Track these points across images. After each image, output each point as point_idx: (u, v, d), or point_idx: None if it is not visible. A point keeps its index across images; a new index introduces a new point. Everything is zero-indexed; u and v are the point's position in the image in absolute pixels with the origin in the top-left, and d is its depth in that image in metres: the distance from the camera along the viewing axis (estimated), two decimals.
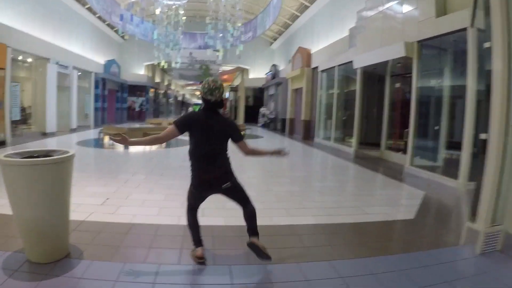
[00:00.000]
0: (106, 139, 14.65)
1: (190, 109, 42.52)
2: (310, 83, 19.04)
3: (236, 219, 4.39)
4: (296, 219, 5.34)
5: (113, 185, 7.00)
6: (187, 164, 3.70)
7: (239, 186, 3.71)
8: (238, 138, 3.62)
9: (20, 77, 17.83)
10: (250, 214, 3.64)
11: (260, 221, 3.80)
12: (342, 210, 5.89)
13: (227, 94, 53.85)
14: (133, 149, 12.72)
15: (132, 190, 6.69)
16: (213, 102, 3.49)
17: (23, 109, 17.98)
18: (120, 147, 13.05)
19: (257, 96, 33.33)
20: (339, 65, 15.17)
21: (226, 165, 3.64)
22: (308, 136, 18.79)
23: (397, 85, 12.19)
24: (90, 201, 5.76)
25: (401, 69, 11.50)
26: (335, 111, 15.41)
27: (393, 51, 9.81)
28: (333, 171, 9.86)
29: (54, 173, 3.51)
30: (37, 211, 3.45)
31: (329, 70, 16.59)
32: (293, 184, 7.74)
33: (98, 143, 14.51)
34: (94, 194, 6.21)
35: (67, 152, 3.75)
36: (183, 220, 4.00)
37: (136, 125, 18.42)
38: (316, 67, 18.09)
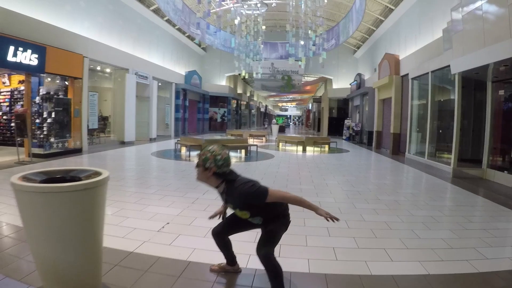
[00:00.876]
0: (183, 150, 14.29)
1: (274, 121, 42.12)
2: (399, 92, 17.12)
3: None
4: (399, 266, 3.99)
5: (178, 206, 6.09)
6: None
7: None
8: None
9: (99, 87, 18.34)
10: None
11: (354, 268, 3.60)
12: (456, 253, 4.41)
13: (309, 105, 52.69)
14: None
15: (198, 214, 5.69)
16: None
17: (102, 118, 18.55)
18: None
19: (341, 107, 31.65)
20: (433, 71, 13.29)
21: None
22: (397, 150, 16.84)
23: (501, 92, 10.16)
24: (146, 226, 4.96)
25: (505, 74, 9.51)
26: (429, 123, 13.50)
27: (503, 50, 7.97)
28: (432, 194, 8.07)
29: (80, 202, 2.82)
30: (57, 249, 2.79)
31: (421, 77, 14.69)
32: (388, 212, 6.26)
33: (173, 155, 14.11)
34: (154, 217, 5.40)
35: (99, 173, 2.91)
36: (254, 262, 3.37)
37: (216, 136, 17.86)
38: (406, 75, 16.19)
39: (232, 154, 13.76)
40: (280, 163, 11.95)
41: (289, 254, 4.12)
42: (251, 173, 9.90)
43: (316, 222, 5.01)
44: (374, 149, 18.94)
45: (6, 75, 13.77)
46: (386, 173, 11.10)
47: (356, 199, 6.96)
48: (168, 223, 5.09)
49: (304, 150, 16.99)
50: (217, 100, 33.52)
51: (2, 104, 14.24)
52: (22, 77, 12.97)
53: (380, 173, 11.20)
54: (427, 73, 13.57)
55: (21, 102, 13.44)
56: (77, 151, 13.36)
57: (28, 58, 10.96)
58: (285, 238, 3.40)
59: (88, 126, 14.78)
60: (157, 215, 5.46)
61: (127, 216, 5.38)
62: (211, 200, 6.43)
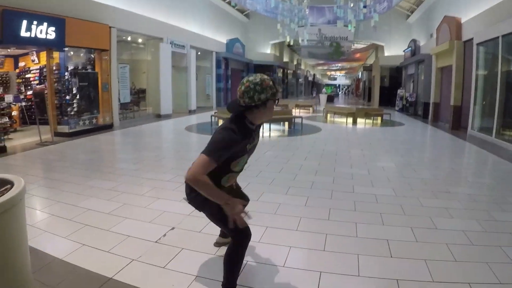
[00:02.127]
0: (220, 123, 13.11)
1: (323, 90, 39.89)
2: (461, 60, 14.72)
3: None
4: None
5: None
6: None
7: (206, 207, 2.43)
8: None
9: (133, 59, 17.48)
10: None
11: None
12: None
13: (359, 74, 49.89)
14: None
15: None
16: None
17: (137, 91, 17.77)
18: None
19: (394, 76, 28.87)
20: (505, 36, 10.93)
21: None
22: (458, 125, 14.51)
23: None
24: (143, 232, 3.77)
25: None
26: (499, 95, 11.20)
27: None
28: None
29: None
30: None
31: (489, 43, 12.27)
32: (464, 214, 4.42)
33: (209, 129, 12.94)
34: (158, 217, 4.20)
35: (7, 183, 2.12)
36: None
37: None
38: (469, 40, 13.77)
39: (274, 126, 12.37)
40: (328, 139, 10.41)
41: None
42: (293, 150, 8.51)
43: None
44: (431, 123, 16.60)
45: (34, 52, 13.13)
46: (450, 154, 9.10)
47: (422, 192, 5.25)
48: (172, 228, 3.85)
49: (354, 122, 15.25)
50: (262, 69, 31.82)
51: (32, 82, 13.67)
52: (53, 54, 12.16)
53: (443, 153, 9.20)
54: (497, 37, 11.23)
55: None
56: (108, 127, 12.63)
57: (44, 32, 10.03)
58: None
59: (119, 100, 13.96)
60: (163, 215, 4.24)
61: (125, 217, 4.22)
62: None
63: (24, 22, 9.47)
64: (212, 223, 2.66)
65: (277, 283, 2.78)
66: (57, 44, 10.61)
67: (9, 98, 11.30)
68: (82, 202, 4.81)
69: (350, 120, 15.47)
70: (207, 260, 3.15)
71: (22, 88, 13.62)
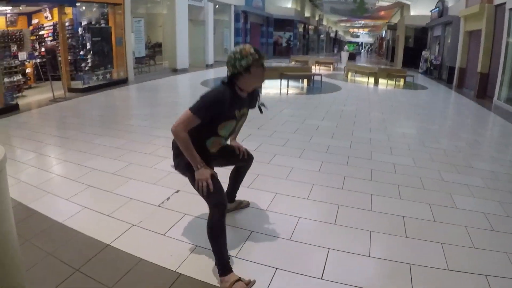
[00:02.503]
0: None
1: (345, 47, 38.47)
2: (491, 25, 13.55)
3: None
4: None
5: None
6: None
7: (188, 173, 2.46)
8: None
9: (149, 13, 17.02)
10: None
11: None
12: None
13: (383, 33, 47.60)
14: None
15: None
16: None
17: (153, 46, 17.40)
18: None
19: (419, 37, 27.28)
20: None
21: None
22: (483, 94, 13.52)
23: None
24: (146, 196, 3.59)
25: None
26: None
27: None
28: None
29: None
30: None
31: None
32: (487, 194, 3.98)
33: None
34: (163, 179, 4.00)
35: None
36: None
37: (275, 63, 15.84)
38: (502, 4, 12.65)
39: (292, 83, 11.95)
40: (348, 98, 9.94)
41: None
42: (311, 109, 8.15)
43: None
44: (455, 89, 15.59)
45: (47, 9, 12.81)
46: (474, 124, 8.44)
47: (443, 165, 4.81)
48: (177, 191, 3.66)
49: (376, 82, 14.55)
50: (283, 23, 30.80)
51: (46, 39, 13.45)
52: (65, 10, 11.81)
53: (467, 123, 8.53)
54: None
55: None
56: (122, 82, 12.41)
57: None
58: None
59: (134, 54, 13.67)
60: (169, 176, 4.04)
61: (129, 178, 4.06)
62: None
63: None
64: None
65: (281, 258, 2.56)
66: (68, 0, 10.20)
67: (22, 55, 11.15)
68: (88, 161, 4.67)
69: (371, 80, 14.78)
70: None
71: (36, 45, 13.44)
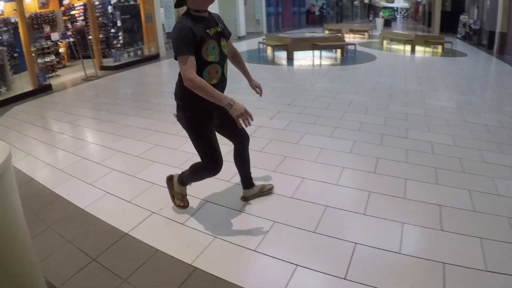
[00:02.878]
0: (269, 51, 12.39)
1: (381, 13, 36.63)
2: None
3: None
4: None
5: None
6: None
7: (186, 128, 2.54)
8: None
9: None
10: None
11: None
12: None
13: None
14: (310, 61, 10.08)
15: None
16: None
17: None
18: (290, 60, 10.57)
19: (457, 0, 25.65)
20: None
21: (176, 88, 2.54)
22: None
23: None
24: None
25: None
26: None
27: None
28: None
29: None
30: None
31: None
32: None
33: (257, 56, 12.30)
34: (185, 163, 3.85)
35: None
36: None
37: (307, 33, 15.24)
38: None
39: (325, 54, 11.50)
40: (382, 69, 9.37)
41: None
42: (344, 81, 7.76)
43: None
44: (496, 55, 14.26)
45: None
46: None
47: (485, 144, 4.33)
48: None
49: (412, 50, 13.65)
50: None
51: (77, 18, 13.53)
52: None
53: (510, 94, 7.48)
54: None
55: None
56: (153, 58, 12.45)
57: None
58: None
59: (164, 30, 13.54)
60: (193, 159, 3.87)
61: (153, 161, 3.98)
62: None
63: None
64: None
65: (303, 253, 2.38)
66: None
67: (55, 36, 11.26)
68: (114, 143, 4.64)
69: (408, 48, 13.96)
70: (231, 218, 2.82)
71: (69, 25, 13.55)
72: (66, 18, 13.86)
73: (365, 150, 3.98)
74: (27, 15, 12.37)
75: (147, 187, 3.37)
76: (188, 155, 3.94)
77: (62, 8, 14.07)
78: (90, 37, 11.21)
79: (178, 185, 2.85)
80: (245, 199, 3.04)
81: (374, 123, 4.88)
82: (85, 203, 3.16)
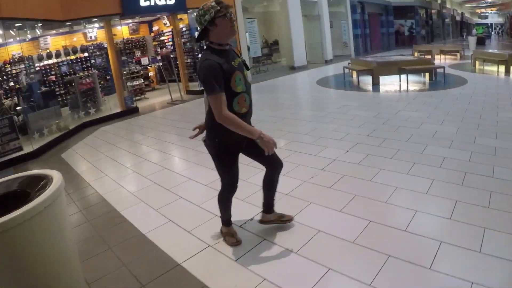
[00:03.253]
0: (354, 76, 12.00)
1: (474, 31, 33.92)
2: None
3: None
4: None
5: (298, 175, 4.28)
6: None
7: (213, 154, 2.68)
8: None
9: (261, 12, 17.14)
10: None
11: None
12: None
13: None
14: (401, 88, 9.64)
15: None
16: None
17: (269, 44, 17.51)
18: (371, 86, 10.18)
19: None
20: None
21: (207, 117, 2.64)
22: None
23: None
24: (238, 213, 3.31)
25: None
26: None
27: None
28: None
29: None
30: None
31: None
32: None
33: (343, 82, 11.99)
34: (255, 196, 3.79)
35: (47, 179, 2.02)
36: None
37: (394, 56, 14.51)
38: None
39: (413, 78, 10.87)
40: (473, 94, 8.39)
41: None
42: (430, 109, 7.07)
43: None
44: None
45: (165, 16, 13.77)
46: None
47: None
48: (251, 219, 3.43)
49: (507, 72, 11.90)
50: (403, 11, 28.36)
51: (166, 43, 14.48)
52: (181, 16, 12.54)
53: None
54: None
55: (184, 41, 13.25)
56: None
57: None
58: None
59: (249, 54, 13.97)
60: (260, 193, 3.83)
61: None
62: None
63: None
64: None
65: None
66: (178, 8, 10.82)
67: (145, 60, 12.14)
68: (186, 170, 4.77)
69: (502, 69, 12.47)
70: (284, 259, 2.67)
71: (158, 50, 14.55)
72: (156, 43, 14.93)
73: (444, 191, 3.52)
74: (119, 40, 13.60)
75: (209, 218, 3.36)
76: (256, 187, 3.78)
77: (152, 34, 15.21)
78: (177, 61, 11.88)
79: (222, 226, 3.03)
80: (263, 222, 3.11)
81: (458, 158, 4.37)
82: (147, 229, 3.28)
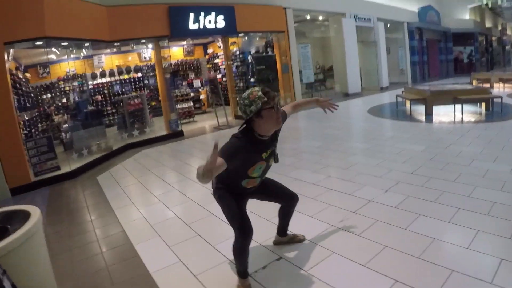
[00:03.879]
0: (407, 105, 11.36)
1: None
2: None
3: None
4: None
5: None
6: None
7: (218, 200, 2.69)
8: None
9: (315, 37, 16.96)
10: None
11: None
12: None
13: None
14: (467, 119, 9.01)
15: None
16: None
17: (323, 70, 17.28)
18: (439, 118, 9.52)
19: None
20: None
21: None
22: None
23: None
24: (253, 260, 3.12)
25: None
26: None
27: None
28: None
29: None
30: None
31: None
32: None
33: (395, 111, 11.27)
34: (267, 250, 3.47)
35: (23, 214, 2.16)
36: None
37: (448, 85, 13.55)
38: None
39: (468, 108, 10.10)
40: None
41: None
42: (483, 143, 6.37)
43: None
44: None
45: (219, 39, 14.04)
46: None
47: None
48: (278, 259, 3.14)
49: None
50: (462, 37, 27.12)
51: (220, 66, 14.70)
52: (234, 39, 12.71)
53: None
54: None
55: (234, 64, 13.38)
56: None
57: (213, 21, 10.40)
58: None
59: (302, 80, 13.83)
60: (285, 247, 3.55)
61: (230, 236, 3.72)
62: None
63: (191, 15, 9.97)
64: None
65: None
66: (228, 31, 10.87)
67: (197, 83, 12.34)
68: (210, 204, 4.53)
69: None
70: None
71: (212, 73, 14.80)
72: (210, 66, 15.20)
73: (488, 245, 2.98)
74: (173, 61, 13.98)
75: (221, 262, 3.13)
76: (269, 228, 3.55)
77: (207, 57, 15.51)
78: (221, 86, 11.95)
79: (238, 279, 2.75)
80: (277, 243, 3.27)
81: (509, 204, 3.81)
82: (155, 268, 3.13)
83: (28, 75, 11.54)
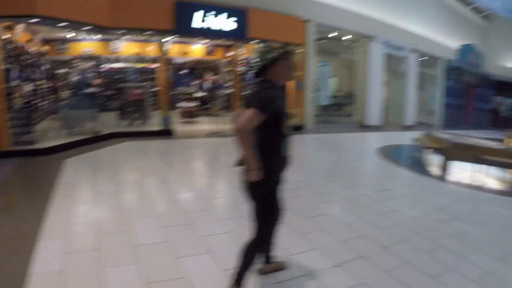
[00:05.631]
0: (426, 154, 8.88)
1: None
2: None
3: None
4: None
5: None
6: None
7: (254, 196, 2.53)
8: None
9: (338, 58, 16.31)
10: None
11: None
12: None
13: None
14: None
15: None
16: None
17: (349, 95, 16.56)
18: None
19: None
20: None
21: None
22: None
23: None
24: None
25: None
26: None
27: None
28: None
29: None
30: None
31: None
32: None
33: (407, 157, 9.65)
34: None
35: None
36: None
37: (479, 139, 9.90)
38: None
39: (495, 172, 7.82)
40: None
41: None
42: (498, 226, 4.55)
43: None
44: None
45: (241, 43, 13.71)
46: None
47: None
48: None
49: None
50: (504, 86, 24.99)
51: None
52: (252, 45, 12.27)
53: None
54: None
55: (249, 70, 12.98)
56: (296, 129, 11.50)
57: (222, 23, 9.89)
58: None
59: (315, 101, 13.06)
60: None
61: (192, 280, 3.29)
62: None
63: (199, 13, 9.50)
64: None
65: None
66: (236, 36, 10.27)
67: (207, 84, 12.03)
68: (133, 219, 4.16)
69: None
70: None
71: (227, 76, 14.47)
72: (228, 69, 14.86)
73: None
74: (192, 58, 13.76)
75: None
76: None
77: (225, 60, 15.14)
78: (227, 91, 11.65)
79: (233, 286, 2.57)
80: (262, 272, 2.99)
81: None
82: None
83: (46, 48, 11.64)
